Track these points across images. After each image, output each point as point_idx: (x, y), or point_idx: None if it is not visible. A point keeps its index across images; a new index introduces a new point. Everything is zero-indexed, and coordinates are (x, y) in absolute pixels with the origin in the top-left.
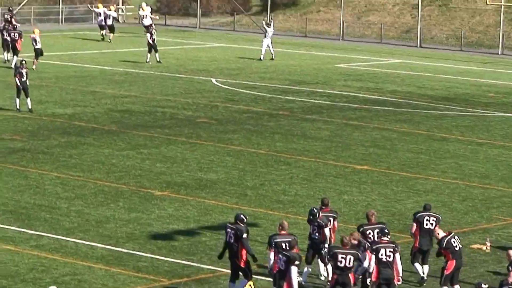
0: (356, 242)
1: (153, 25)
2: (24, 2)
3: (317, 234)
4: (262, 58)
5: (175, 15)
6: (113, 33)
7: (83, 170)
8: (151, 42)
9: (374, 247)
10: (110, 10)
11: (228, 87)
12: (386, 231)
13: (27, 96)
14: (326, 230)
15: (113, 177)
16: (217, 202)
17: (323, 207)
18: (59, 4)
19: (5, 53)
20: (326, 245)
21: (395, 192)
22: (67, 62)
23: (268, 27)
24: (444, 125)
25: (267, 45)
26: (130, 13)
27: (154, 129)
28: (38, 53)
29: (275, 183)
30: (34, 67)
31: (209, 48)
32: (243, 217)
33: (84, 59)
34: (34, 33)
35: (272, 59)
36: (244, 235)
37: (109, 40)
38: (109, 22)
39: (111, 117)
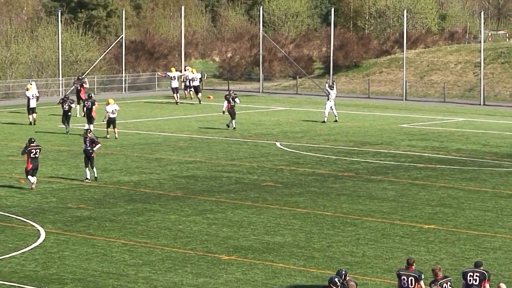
0: None
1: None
2: (87, 71)
3: None
4: (325, 120)
5: (237, 80)
6: (200, 93)
7: (150, 237)
8: (230, 110)
9: None
10: (193, 72)
11: (293, 150)
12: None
13: (92, 166)
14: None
15: (180, 243)
16: (284, 265)
17: (408, 267)
18: (122, 73)
19: (65, 125)
20: None
21: (463, 251)
22: (131, 130)
23: (331, 89)
24: (510, 182)
25: (331, 107)
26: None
27: (220, 194)
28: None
29: (342, 245)
30: (108, 135)
31: (273, 111)
32: (337, 281)
33: (148, 126)
34: (109, 103)
35: (335, 121)
36: None
37: (198, 102)
38: (196, 83)
39: (176, 183)
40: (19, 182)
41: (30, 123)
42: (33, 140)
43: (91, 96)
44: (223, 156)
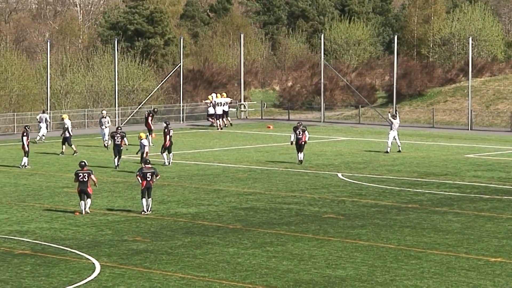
0: None
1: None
2: (144, 101)
3: None
4: (388, 150)
5: (298, 110)
6: (229, 118)
7: (208, 270)
8: (299, 143)
9: None
10: (223, 97)
11: (355, 181)
12: None
13: (149, 197)
14: None
15: (238, 277)
16: None
17: None
18: (180, 102)
19: (116, 159)
20: None
21: None
22: (189, 161)
23: (394, 118)
24: None
25: (394, 137)
26: (252, 109)
27: (280, 226)
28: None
29: (406, 278)
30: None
31: (334, 142)
32: None
33: (207, 156)
34: (141, 137)
35: (399, 151)
36: None
37: (228, 125)
38: (225, 108)
39: (235, 215)
40: (74, 214)
41: (74, 152)
42: (83, 163)
43: (169, 125)
44: (283, 187)
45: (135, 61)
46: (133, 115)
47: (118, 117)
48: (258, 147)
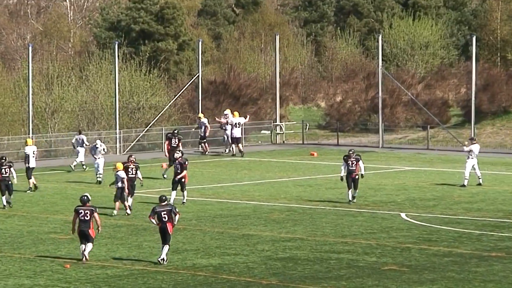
0: None
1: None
2: (152, 122)
3: None
4: (466, 183)
5: (349, 132)
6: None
7: None
8: (352, 177)
9: None
10: (235, 117)
11: (423, 223)
12: None
13: (165, 243)
14: None
15: None
16: None
17: None
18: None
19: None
20: None
21: None
22: (210, 198)
23: (473, 143)
24: None
25: (472, 166)
26: (291, 131)
27: (327, 281)
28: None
29: None
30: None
31: (396, 172)
32: None
33: (233, 192)
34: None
35: (479, 184)
36: None
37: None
38: (237, 132)
39: (270, 267)
40: (64, 267)
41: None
42: (85, 198)
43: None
44: (331, 231)
45: (141, 70)
46: (139, 139)
47: (120, 142)
48: (298, 180)
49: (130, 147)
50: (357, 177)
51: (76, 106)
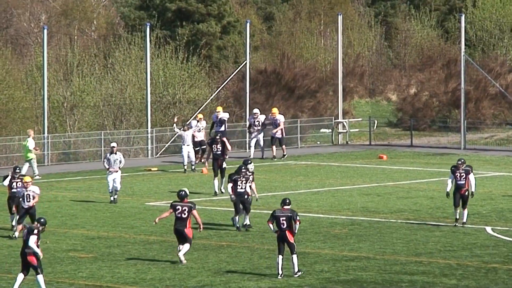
0: None
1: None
2: (191, 119)
3: None
4: None
5: (426, 130)
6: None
7: None
8: (461, 193)
9: None
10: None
11: None
12: None
13: (292, 253)
14: None
15: None
16: None
17: None
18: (245, 119)
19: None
20: None
21: None
22: (260, 209)
23: None
24: None
25: None
26: (356, 130)
27: None
28: None
29: None
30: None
31: (481, 179)
32: None
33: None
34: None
35: None
36: None
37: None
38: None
39: None
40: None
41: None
42: (182, 193)
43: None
44: (403, 249)
45: (177, 57)
46: (174, 140)
47: (152, 143)
48: (364, 187)
49: (164, 148)
50: (466, 193)
51: (99, 100)
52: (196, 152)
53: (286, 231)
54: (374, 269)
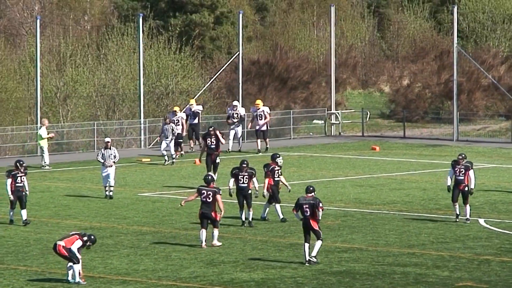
0: None
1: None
2: (183, 110)
3: None
4: None
5: (418, 122)
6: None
7: None
8: (460, 189)
9: None
10: (193, 105)
11: (506, 231)
12: None
13: (317, 239)
14: None
15: None
16: None
17: None
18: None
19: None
20: None
21: None
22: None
23: None
24: None
25: None
26: (348, 121)
27: None
28: None
29: None
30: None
31: (474, 170)
32: None
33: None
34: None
35: None
36: None
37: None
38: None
39: (322, 282)
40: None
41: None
42: (209, 177)
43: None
44: (396, 240)
45: (170, 48)
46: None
47: (145, 133)
48: (357, 179)
49: (156, 140)
50: (466, 189)
51: (92, 91)
52: (176, 144)
53: (309, 219)
54: (367, 261)
